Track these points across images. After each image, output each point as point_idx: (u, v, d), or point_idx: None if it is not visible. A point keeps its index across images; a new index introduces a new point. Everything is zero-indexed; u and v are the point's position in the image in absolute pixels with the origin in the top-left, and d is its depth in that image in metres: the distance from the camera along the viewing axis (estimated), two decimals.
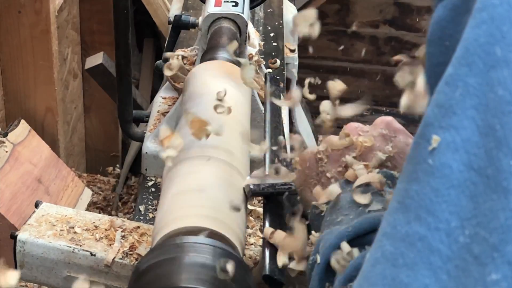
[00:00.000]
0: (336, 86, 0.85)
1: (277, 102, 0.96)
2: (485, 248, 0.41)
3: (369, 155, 0.85)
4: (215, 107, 0.90)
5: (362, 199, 0.78)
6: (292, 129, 2.09)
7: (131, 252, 1.08)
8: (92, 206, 2.32)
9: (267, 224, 0.87)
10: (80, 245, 1.08)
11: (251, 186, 0.89)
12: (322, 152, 0.87)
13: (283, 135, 1.03)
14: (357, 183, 0.80)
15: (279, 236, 0.83)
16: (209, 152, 0.89)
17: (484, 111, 0.44)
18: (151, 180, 1.45)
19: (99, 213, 2.07)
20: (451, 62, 0.46)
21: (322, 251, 0.73)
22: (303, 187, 0.88)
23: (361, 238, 0.73)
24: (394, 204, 0.47)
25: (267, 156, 0.94)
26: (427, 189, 0.45)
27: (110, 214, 2.30)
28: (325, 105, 0.84)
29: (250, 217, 1.29)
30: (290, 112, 1.89)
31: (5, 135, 1.97)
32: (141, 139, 1.61)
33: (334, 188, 0.82)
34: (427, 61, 0.53)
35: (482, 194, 0.43)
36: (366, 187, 0.80)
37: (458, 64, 0.46)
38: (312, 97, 0.89)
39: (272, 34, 1.92)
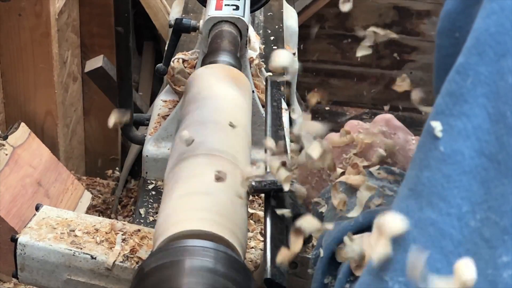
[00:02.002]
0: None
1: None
2: (495, 231, 0.42)
3: (369, 152, 0.86)
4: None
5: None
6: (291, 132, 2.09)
7: (131, 255, 1.08)
8: (92, 209, 2.31)
9: (268, 221, 0.88)
10: (81, 248, 1.08)
11: (253, 183, 0.89)
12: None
13: (284, 139, 1.03)
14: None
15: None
16: (212, 152, 0.89)
17: (495, 98, 0.45)
18: (152, 183, 1.45)
19: (99, 216, 2.07)
20: (462, 52, 0.47)
21: (325, 245, 0.74)
22: (304, 184, 0.88)
23: (363, 232, 0.74)
24: (405, 191, 0.48)
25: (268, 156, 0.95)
26: (439, 175, 0.45)
27: (109, 217, 2.30)
28: None
29: (251, 221, 1.29)
30: (290, 116, 1.89)
31: (5, 138, 1.97)
32: (141, 142, 1.62)
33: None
34: (437, 53, 0.54)
35: (493, 179, 0.44)
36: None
37: (469, 53, 0.47)
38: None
39: (272, 38, 1.92)
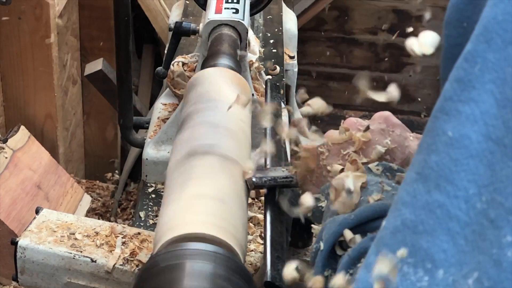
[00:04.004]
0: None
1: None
2: (501, 212, 0.43)
3: (369, 149, 0.87)
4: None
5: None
6: None
7: (131, 259, 1.08)
8: (91, 212, 2.31)
9: (268, 216, 0.89)
10: (81, 251, 1.08)
11: (254, 179, 0.90)
12: (323, 146, 0.89)
13: (284, 142, 1.04)
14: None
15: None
16: (214, 152, 0.90)
17: (502, 84, 0.46)
18: (151, 186, 1.45)
19: (98, 219, 2.07)
20: (470, 40, 0.49)
21: (325, 238, 0.76)
22: (304, 180, 0.89)
23: (363, 226, 0.76)
24: (412, 175, 0.49)
25: (268, 155, 0.96)
26: (447, 159, 0.47)
27: (109, 220, 2.30)
28: None
29: (250, 224, 1.29)
30: (290, 119, 1.89)
31: (5, 141, 1.97)
32: (141, 145, 1.62)
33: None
34: (444, 43, 0.56)
35: (499, 162, 0.45)
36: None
37: (477, 41, 0.48)
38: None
39: (271, 41, 1.93)
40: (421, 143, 0.50)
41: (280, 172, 0.92)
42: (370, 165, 0.85)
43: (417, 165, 0.49)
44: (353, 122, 0.92)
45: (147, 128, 1.60)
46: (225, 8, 1.34)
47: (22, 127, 2.07)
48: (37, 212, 1.16)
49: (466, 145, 0.46)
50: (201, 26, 1.36)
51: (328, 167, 0.88)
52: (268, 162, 0.96)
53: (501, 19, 0.47)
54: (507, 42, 0.46)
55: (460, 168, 0.46)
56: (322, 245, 0.76)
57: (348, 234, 0.75)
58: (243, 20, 1.32)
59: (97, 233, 1.12)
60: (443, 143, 0.47)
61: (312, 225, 0.86)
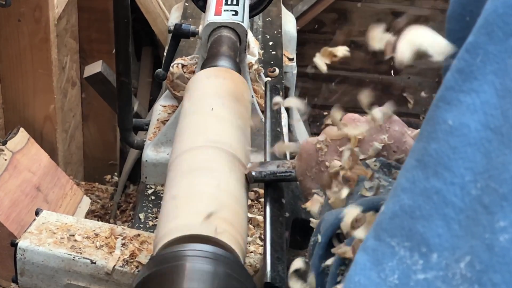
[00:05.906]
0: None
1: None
2: (494, 198, 0.45)
3: (366, 145, 0.87)
4: None
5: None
6: (291, 137, 2.10)
7: (131, 260, 1.08)
8: (90, 214, 2.31)
9: (267, 216, 0.89)
10: (81, 253, 1.08)
11: (253, 173, 0.91)
12: (321, 142, 0.90)
13: (283, 138, 1.05)
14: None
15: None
16: (213, 147, 0.90)
17: (503, 75, 0.47)
18: (151, 188, 1.45)
19: (98, 221, 2.07)
20: (472, 32, 0.50)
21: (323, 231, 0.76)
22: (303, 176, 0.90)
23: None
24: (412, 162, 0.50)
25: (267, 153, 0.97)
26: (446, 147, 0.48)
27: (108, 223, 2.29)
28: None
29: (250, 225, 1.29)
30: (289, 120, 1.89)
31: (4, 143, 1.98)
32: (140, 147, 1.62)
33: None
34: (447, 37, 0.56)
35: (496, 150, 0.46)
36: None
37: (478, 33, 0.49)
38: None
39: (271, 43, 1.93)
40: (421, 131, 0.51)
41: (279, 167, 0.93)
42: (367, 161, 0.86)
43: (417, 152, 0.50)
44: (351, 118, 0.93)
45: (147, 130, 1.60)
46: (224, 10, 1.35)
47: (22, 129, 2.07)
48: (36, 213, 1.16)
49: (465, 133, 0.47)
50: (200, 28, 1.36)
51: (327, 163, 0.88)
52: (267, 157, 0.96)
53: (502, 12, 0.48)
54: (508, 35, 0.48)
55: (458, 155, 0.47)
56: (319, 237, 0.77)
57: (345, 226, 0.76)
58: (242, 22, 1.33)
59: (96, 235, 1.12)
60: (443, 131, 0.49)
61: (311, 219, 0.86)
